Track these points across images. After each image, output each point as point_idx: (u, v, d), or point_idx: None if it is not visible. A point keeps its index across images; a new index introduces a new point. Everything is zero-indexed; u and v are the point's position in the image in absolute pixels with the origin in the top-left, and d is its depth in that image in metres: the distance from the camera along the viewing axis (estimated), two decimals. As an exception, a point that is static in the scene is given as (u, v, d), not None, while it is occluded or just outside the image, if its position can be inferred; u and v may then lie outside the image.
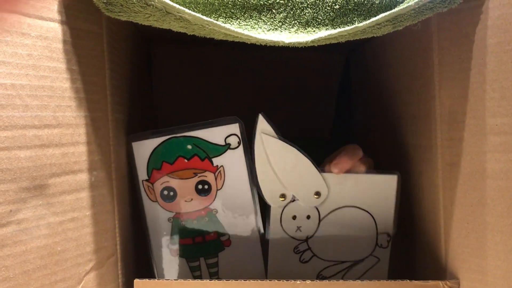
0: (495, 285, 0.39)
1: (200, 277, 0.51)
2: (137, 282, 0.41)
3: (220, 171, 0.49)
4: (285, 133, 0.49)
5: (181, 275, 0.51)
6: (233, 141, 0.48)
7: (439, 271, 0.46)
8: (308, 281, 0.41)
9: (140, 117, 0.59)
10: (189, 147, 0.48)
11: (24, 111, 0.34)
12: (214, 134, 0.48)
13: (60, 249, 0.37)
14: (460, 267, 0.43)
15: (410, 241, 0.53)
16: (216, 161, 0.49)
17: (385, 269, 0.52)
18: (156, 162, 0.49)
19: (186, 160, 0.49)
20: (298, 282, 0.41)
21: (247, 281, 0.41)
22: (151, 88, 0.73)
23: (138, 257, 0.53)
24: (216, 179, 0.49)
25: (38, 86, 0.35)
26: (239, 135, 0.48)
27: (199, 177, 0.49)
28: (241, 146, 0.48)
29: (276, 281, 0.41)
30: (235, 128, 0.48)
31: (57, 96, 0.36)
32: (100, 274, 0.42)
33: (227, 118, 0.48)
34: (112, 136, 0.44)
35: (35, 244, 0.36)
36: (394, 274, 0.52)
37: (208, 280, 0.42)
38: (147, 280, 0.41)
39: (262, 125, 0.47)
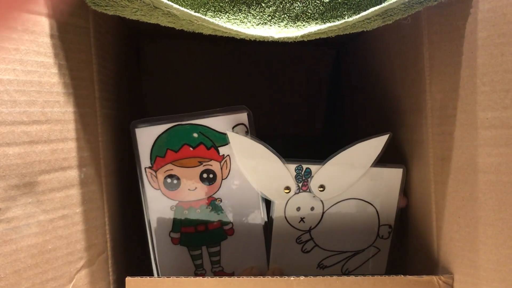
0: (487, 278, 0.39)
1: (201, 265, 0.51)
2: (128, 280, 0.41)
3: (226, 161, 0.48)
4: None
5: (182, 264, 0.50)
6: (241, 130, 0.47)
7: (432, 265, 0.46)
8: (302, 277, 0.41)
9: (129, 112, 0.59)
10: (195, 135, 0.47)
11: (12, 106, 0.34)
12: (221, 123, 0.47)
13: (51, 248, 0.37)
14: (453, 261, 0.43)
15: (402, 235, 0.53)
16: (223, 150, 0.48)
17: (384, 259, 0.52)
18: (160, 149, 0.47)
19: (191, 149, 0.48)
20: (292, 278, 0.41)
21: (240, 277, 0.41)
22: (140, 82, 0.72)
23: (129, 254, 0.52)
24: (221, 168, 0.49)
25: (26, 81, 0.34)
26: (247, 125, 0.47)
27: (204, 166, 0.48)
28: (248, 136, 0.47)
29: (269, 277, 0.41)
30: (243, 117, 0.47)
31: (45, 92, 0.36)
32: (91, 271, 0.41)
33: (235, 107, 0.47)
34: (100, 132, 0.43)
35: (25, 242, 0.35)
36: (386, 268, 0.52)
37: (201, 277, 0.41)
38: (138, 278, 0.41)
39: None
